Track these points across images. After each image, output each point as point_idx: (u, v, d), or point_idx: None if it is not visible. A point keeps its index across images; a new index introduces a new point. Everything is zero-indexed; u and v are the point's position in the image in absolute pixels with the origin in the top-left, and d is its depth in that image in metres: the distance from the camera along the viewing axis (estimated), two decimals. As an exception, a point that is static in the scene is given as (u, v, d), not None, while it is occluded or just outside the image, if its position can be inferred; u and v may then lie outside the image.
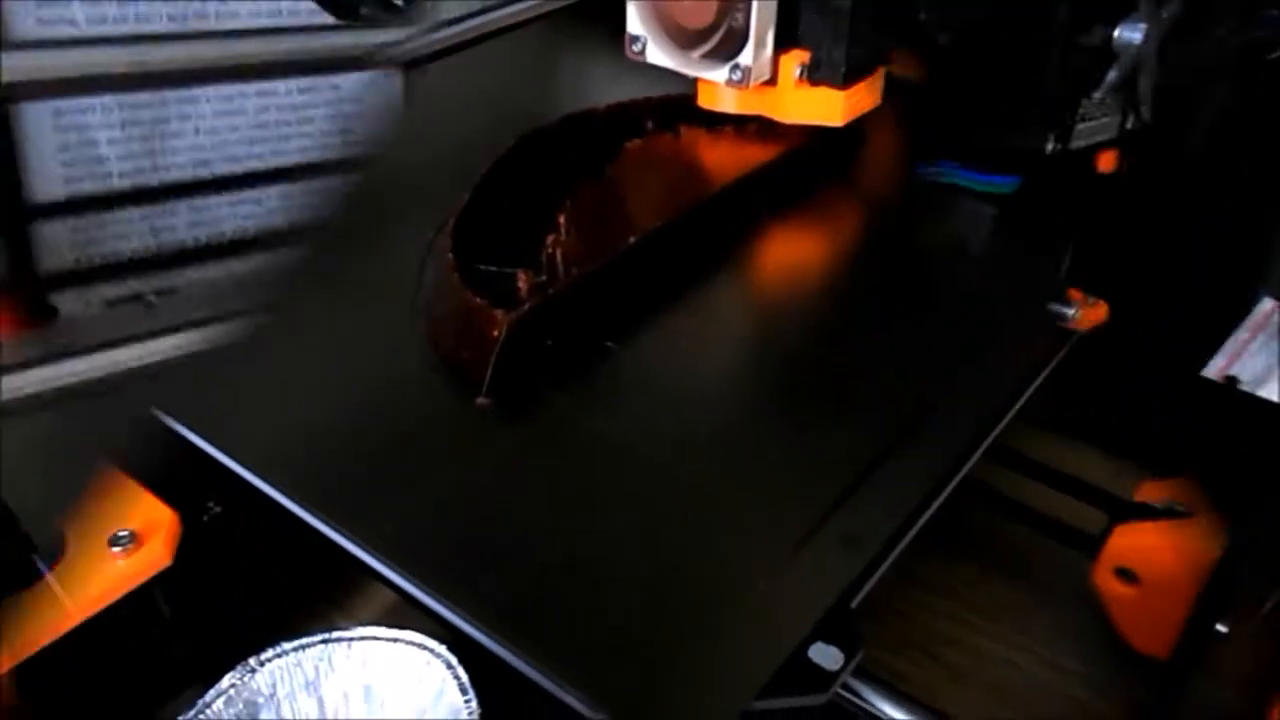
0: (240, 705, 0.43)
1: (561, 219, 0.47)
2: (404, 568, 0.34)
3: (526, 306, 0.41)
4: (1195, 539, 0.45)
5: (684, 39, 0.49)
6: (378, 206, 0.53)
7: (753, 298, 0.49)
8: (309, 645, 0.45)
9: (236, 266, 0.56)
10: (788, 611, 0.32)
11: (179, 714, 0.42)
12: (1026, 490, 0.54)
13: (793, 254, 0.52)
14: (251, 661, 0.44)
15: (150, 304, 0.52)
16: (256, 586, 0.51)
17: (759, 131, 0.55)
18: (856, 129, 0.54)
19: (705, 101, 0.52)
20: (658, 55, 0.50)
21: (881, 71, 0.52)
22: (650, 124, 0.56)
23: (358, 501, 0.36)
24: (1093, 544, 0.49)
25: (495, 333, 0.40)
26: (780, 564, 0.33)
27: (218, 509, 0.48)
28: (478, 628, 0.32)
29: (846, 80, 0.50)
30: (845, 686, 0.33)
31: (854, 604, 0.33)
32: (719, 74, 0.49)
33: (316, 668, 0.45)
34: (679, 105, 0.56)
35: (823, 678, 0.30)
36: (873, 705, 0.34)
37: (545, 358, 0.42)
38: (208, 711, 0.42)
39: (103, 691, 0.40)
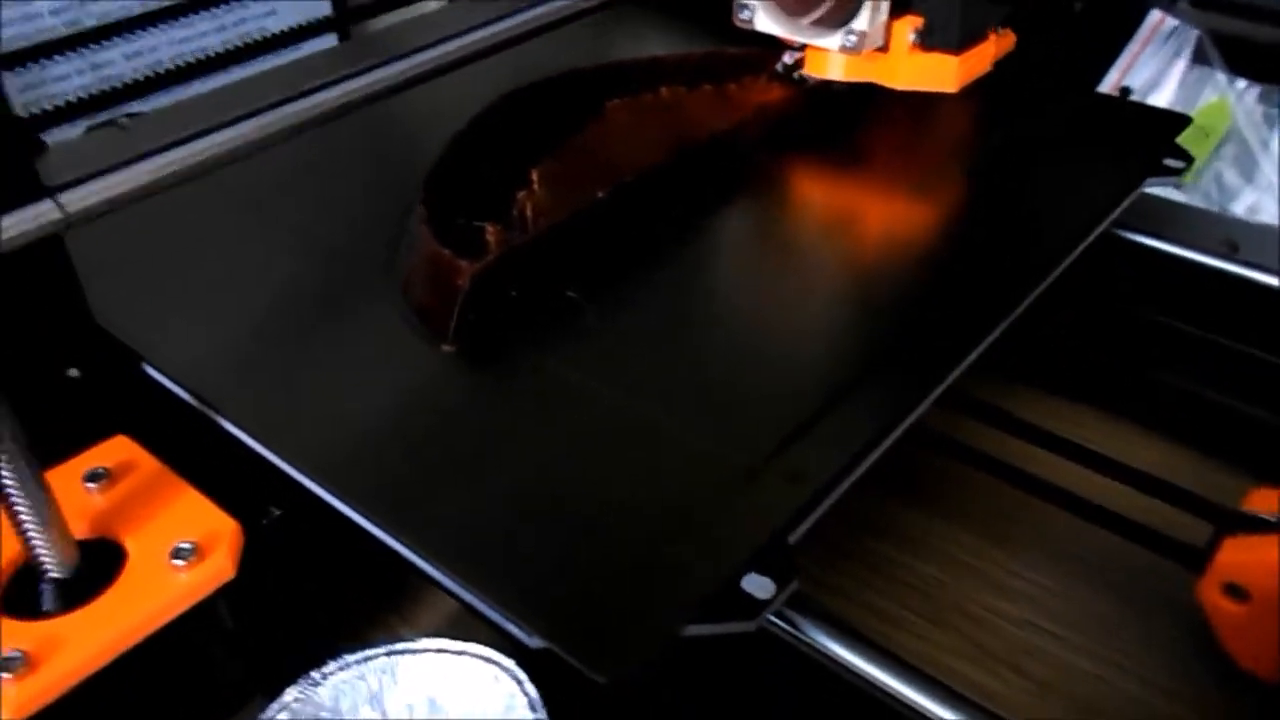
0: (303, 720, 0.42)
1: (535, 175, 0.48)
2: (353, 497, 0.36)
3: (491, 257, 0.42)
4: (1311, 554, 0.42)
5: (795, 5, 0.49)
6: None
7: (717, 249, 0.50)
8: (373, 657, 0.44)
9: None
10: (725, 544, 0.33)
11: (241, 729, 0.41)
12: (1113, 493, 0.51)
13: (760, 209, 0.52)
14: (314, 674, 0.43)
15: (124, 127, 0.55)
16: (317, 594, 0.49)
17: (741, 91, 0.56)
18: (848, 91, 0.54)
19: (813, 69, 0.52)
20: (766, 23, 0.50)
21: (994, 36, 0.52)
22: (634, 84, 0.56)
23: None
24: (1190, 554, 0.46)
25: (460, 282, 0.41)
26: (724, 498, 0.35)
27: (277, 513, 0.47)
28: (423, 556, 0.34)
29: (961, 46, 0.50)
30: (783, 618, 0.34)
31: (793, 538, 0.34)
32: (831, 40, 0.49)
33: (380, 680, 0.44)
34: (664, 67, 0.57)
35: (753, 606, 0.31)
36: (809, 637, 0.34)
37: (511, 307, 0.43)
38: (270, 727, 0.41)
39: (163, 708, 0.39)
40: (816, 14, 0.49)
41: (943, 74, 0.51)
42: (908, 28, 0.50)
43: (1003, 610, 0.51)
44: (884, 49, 0.50)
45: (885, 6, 0.49)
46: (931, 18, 0.49)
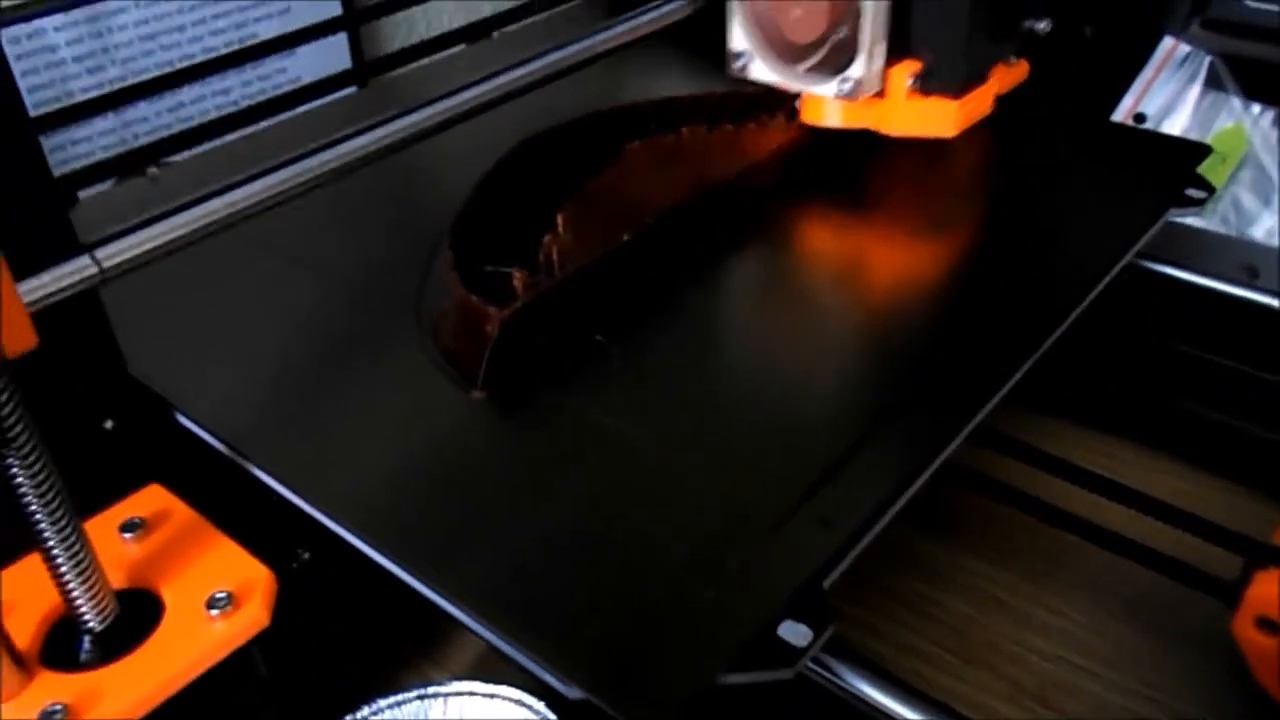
0: (338, 765, 0.42)
1: (560, 219, 0.48)
2: (386, 545, 0.36)
3: (519, 304, 0.42)
4: (1345, 586, 0.42)
5: (790, 53, 0.49)
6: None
7: (742, 291, 0.50)
8: (404, 701, 0.44)
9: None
10: (760, 590, 0.33)
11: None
12: (1144, 527, 0.51)
13: (783, 250, 0.52)
14: (347, 719, 0.43)
15: (155, 177, 0.56)
16: (348, 638, 0.50)
17: (760, 130, 0.56)
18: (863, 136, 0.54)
19: (810, 116, 0.51)
20: (762, 71, 0.50)
21: (993, 76, 0.51)
22: (653, 125, 0.56)
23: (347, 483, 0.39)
24: (1225, 589, 0.46)
25: (489, 329, 0.41)
26: (756, 544, 0.35)
27: (306, 556, 0.47)
28: (459, 606, 0.34)
29: (961, 90, 0.49)
30: (820, 664, 0.34)
31: (827, 583, 0.34)
32: (827, 88, 0.48)
33: (412, 724, 0.44)
34: (682, 107, 0.57)
35: (790, 653, 0.31)
36: (847, 682, 0.34)
37: (539, 351, 0.43)
38: (305, 773, 0.41)
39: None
40: (812, 60, 0.48)
41: (942, 119, 0.49)
42: (905, 73, 0.49)
43: (1036, 646, 0.51)
44: (881, 94, 0.49)
45: (882, 51, 0.47)
46: (931, 62, 0.48)
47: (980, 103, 0.51)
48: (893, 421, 0.40)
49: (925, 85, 0.49)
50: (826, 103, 0.50)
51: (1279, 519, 0.48)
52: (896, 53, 0.48)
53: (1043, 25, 0.56)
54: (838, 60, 0.48)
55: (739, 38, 0.50)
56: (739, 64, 0.50)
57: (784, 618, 0.32)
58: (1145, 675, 0.50)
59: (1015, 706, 0.49)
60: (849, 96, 0.48)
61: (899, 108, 0.49)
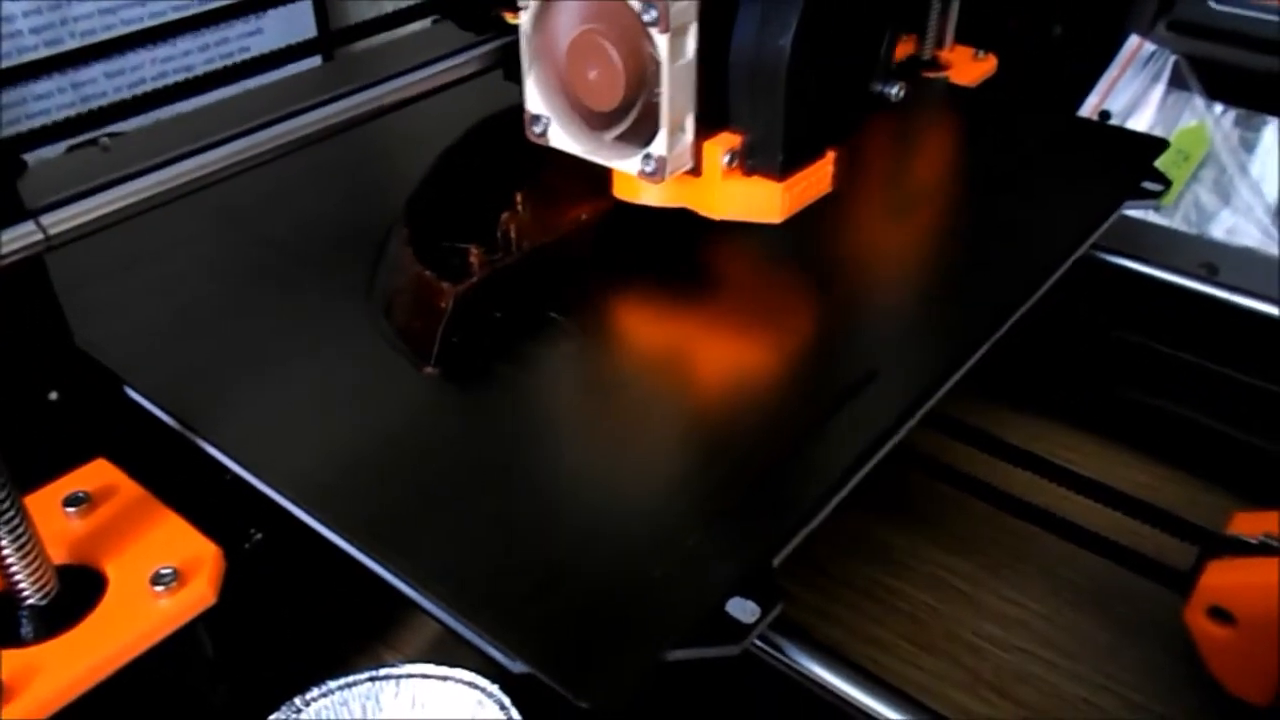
0: (286, 748, 0.41)
1: (518, 197, 0.48)
2: (336, 521, 0.36)
3: (474, 279, 0.42)
4: (1296, 576, 0.42)
5: (593, 120, 0.41)
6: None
7: (705, 270, 0.49)
8: (356, 683, 0.43)
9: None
10: (711, 567, 0.33)
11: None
12: (1104, 518, 0.51)
13: (748, 229, 0.49)
14: (297, 701, 0.42)
15: (105, 147, 0.54)
16: (300, 620, 0.49)
17: None
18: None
19: (622, 193, 0.44)
20: (562, 139, 0.42)
21: (832, 155, 0.43)
22: None
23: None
24: (1180, 579, 0.46)
25: (443, 304, 0.41)
26: (707, 523, 0.35)
27: (258, 536, 0.46)
28: (406, 581, 0.34)
29: (785, 169, 0.41)
30: (768, 641, 0.34)
31: (776, 561, 0.34)
32: (630, 164, 0.40)
33: (364, 706, 0.43)
34: None
35: (738, 630, 0.31)
36: (797, 662, 0.34)
37: (494, 329, 0.43)
38: (253, 755, 0.40)
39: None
40: (618, 130, 0.40)
41: (765, 202, 0.42)
42: (722, 148, 0.40)
43: (994, 636, 0.51)
44: (696, 172, 0.41)
45: (690, 124, 0.40)
46: (749, 137, 0.41)
47: (815, 184, 0.43)
48: (845, 404, 0.40)
49: (745, 164, 0.41)
50: (637, 178, 0.41)
51: (1234, 510, 0.48)
52: (712, 124, 0.40)
53: (895, 90, 0.49)
54: (645, 131, 0.39)
55: (534, 100, 0.42)
56: (537, 129, 0.42)
57: (733, 595, 0.32)
58: (1103, 665, 0.50)
59: (973, 696, 0.49)
60: (653, 177, 0.40)
61: (717, 187, 0.42)
